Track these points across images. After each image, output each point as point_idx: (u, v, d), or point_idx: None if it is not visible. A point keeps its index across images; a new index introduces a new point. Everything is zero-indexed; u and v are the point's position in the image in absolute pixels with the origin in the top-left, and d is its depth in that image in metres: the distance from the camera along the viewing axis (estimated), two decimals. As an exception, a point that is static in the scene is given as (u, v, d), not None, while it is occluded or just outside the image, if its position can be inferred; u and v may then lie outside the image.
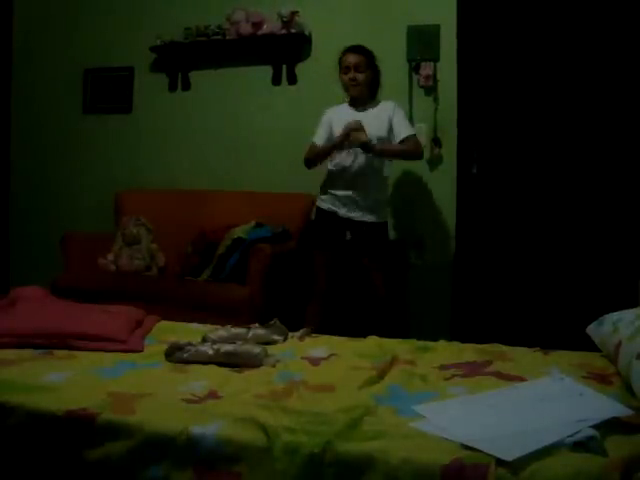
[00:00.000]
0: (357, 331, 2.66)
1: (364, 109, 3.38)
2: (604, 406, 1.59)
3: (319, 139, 3.43)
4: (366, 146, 3.20)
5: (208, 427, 1.57)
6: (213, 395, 1.81)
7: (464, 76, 3.84)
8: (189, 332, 2.51)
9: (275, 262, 3.57)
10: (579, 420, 1.49)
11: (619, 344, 1.92)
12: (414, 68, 3.91)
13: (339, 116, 3.39)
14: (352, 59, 3.32)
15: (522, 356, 2.21)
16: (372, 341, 2.43)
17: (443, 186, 3.92)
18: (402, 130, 3.33)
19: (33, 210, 4.84)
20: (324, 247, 3.37)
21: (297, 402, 1.75)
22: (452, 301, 3.85)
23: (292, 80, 4.24)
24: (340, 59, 3.37)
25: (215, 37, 4.26)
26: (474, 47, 3.83)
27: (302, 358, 2.21)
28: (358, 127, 3.18)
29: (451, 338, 2.58)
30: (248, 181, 4.29)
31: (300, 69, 4.23)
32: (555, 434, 1.43)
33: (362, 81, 3.33)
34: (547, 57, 3.74)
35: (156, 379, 1.95)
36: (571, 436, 1.42)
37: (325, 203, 3.42)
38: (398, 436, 1.51)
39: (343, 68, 3.35)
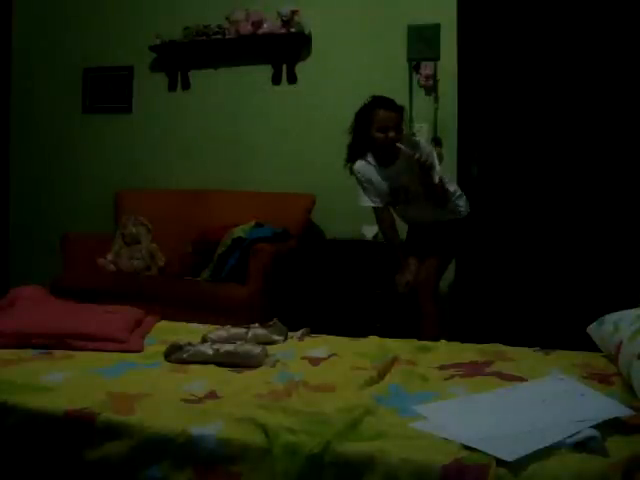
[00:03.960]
0: (357, 331, 2.66)
1: (392, 163, 3.17)
2: (605, 406, 1.59)
3: (374, 202, 3.25)
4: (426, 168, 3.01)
5: (208, 427, 1.57)
6: (213, 395, 1.81)
7: (464, 76, 3.84)
8: (189, 332, 2.51)
9: (275, 262, 3.57)
10: (580, 420, 1.49)
11: (620, 344, 1.92)
12: (414, 68, 3.91)
13: (377, 177, 3.21)
14: (392, 118, 3.08)
15: (523, 356, 2.21)
16: (372, 341, 2.42)
17: (443, 186, 3.91)
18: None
19: (33, 210, 4.84)
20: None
21: (297, 402, 1.74)
22: (452, 301, 3.85)
23: (292, 80, 4.24)
24: (372, 114, 3.09)
25: (215, 36, 4.26)
26: (474, 47, 3.83)
27: (302, 358, 2.20)
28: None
29: (451, 338, 2.57)
30: (248, 181, 4.29)
31: (300, 69, 4.23)
32: (556, 434, 1.43)
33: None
34: (548, 56, 3.74)
35: (156, 379, 1.95)
36: (572, 436, 1.42)
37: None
38: (398, 436, 1.50)
39: (379, 126, 3.07)
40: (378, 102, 3.14)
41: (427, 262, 3.24)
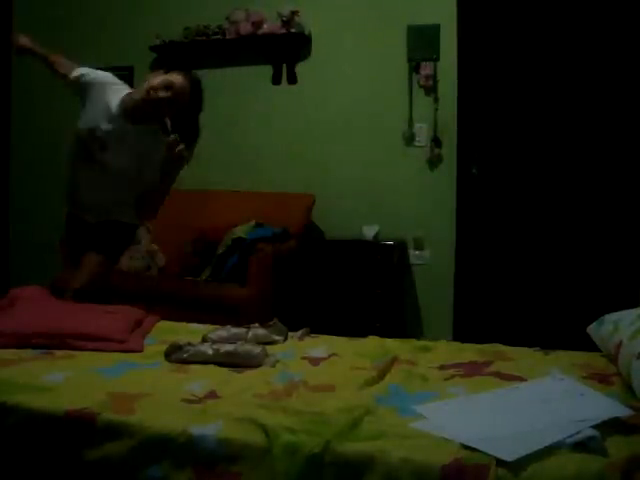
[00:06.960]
0: (357, 331, 2.66)
1: (138, 125, 2.79)
2: (604, 406, 1.59)
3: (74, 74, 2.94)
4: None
5: (208, 427, 1.57)
6: (213, 395, 1.81)
7: (464, 76, 3.84)
8: (189, 332, 2.51)
9: (275, 262, 3.57)
10: (579, 420, 1.49)
11: (619, 344, 1.92)
12: (414, 68, 3.92)
13: (108, 95, 2.90)
14: (179, 81, 2.76)
15: (522, 356, 2.21)
16: (372, 341, 2.42)
17: (443, 186, 3.92)
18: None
19: (33, 210, 4.84)
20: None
21: (297, 402, 1.74)
22: (453, 301, 3.85)
23: (292, 80, 4.24)
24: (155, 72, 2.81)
25: (215, 37, 4.27)
26: (474, 47, 3.83)
27: (302, 358, 2.20)
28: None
29: (454, 338, 2.57)
30: (248, 181, 4.29)
31: (300, 69, 4.23)
32: (555, 434, 1.43)
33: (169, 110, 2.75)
34: (547, 56, 3.74)
35: (156, 379, 1.95)
36: (571, 436, 1.42)
37: None
38: (398, 436, 1.50)
39: (155, 86, 2.70)
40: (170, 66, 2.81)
41: (87, 258, 2.85)
